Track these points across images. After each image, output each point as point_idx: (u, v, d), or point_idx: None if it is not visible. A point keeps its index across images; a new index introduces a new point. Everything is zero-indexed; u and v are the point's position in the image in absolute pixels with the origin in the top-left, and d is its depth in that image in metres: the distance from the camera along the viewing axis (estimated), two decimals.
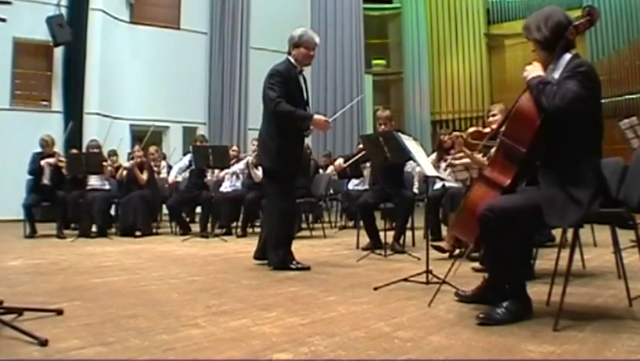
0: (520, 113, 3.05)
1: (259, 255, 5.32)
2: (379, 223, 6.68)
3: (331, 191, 10.92)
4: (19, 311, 3.04)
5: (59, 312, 3.14)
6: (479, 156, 5.28)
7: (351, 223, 10.42)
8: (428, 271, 4.03)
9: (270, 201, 5.30)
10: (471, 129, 5.29)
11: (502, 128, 3.24)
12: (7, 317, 2.90)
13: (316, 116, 5.12)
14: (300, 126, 5.17)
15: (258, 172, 8.14)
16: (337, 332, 2.80)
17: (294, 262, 5.06)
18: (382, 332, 2.81)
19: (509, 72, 20.09)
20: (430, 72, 21.72)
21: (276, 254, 5.06)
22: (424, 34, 21.69)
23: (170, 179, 9.30)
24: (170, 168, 11.39)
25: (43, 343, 2.54)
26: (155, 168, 9.95)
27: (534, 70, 3.01)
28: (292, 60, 5.20)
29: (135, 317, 3.14)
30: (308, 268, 5.02)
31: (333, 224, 10.78)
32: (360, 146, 10.79)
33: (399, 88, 22.33)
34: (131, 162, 9.10)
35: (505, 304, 2.97)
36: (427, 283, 3.99)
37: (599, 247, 6.05)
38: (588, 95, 2.82)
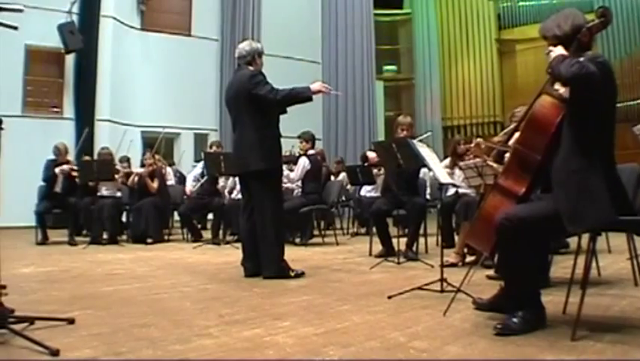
0: (534, 120, 3.01)
1: (257, 269, 5.07)
2: (391, 230, 6.64)
3: (343, 197, 10.86)
4: (31, 320, 3.01)
5: (71, 321, 3.11)
6: (495, 165, 5.23)
7: (363, 230, 10.37)
8: (442, 280, 3.99)
9: (264, 206, 5.03)
10: (497, 138, 5.16)
11: (515, 136, 3.19)
12: (19, 326, 2.88)
13: (312, 86, 5.14)
14: (303, 101, 5.16)
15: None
16: (352, 342, 2.76)
17: (291, 270, 5.01)
18: (398, 342, 2.76)
19: (521, 77, 20.00)
20: (441, 78, 21.65)
21: (274, 263, 4.96)
22: (435, 40, 21.63)
23: (188, 190, 9.21)
24: (179, 174, 11.41)
25: (55, 353, 2.51)
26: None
27: (557, 51, 2.95)
28: (252, 69, 5.18)
29: (147, 327, 3.11)
30: (303, 274, 5.02)
31: (345, 231, 10.72)
32: (369, 153, 10.83)
33: (410, 94, 22.26)
34: (142, 169, 9.11)
35: (521, 313, 2.94)
36: (442, 291, 3.95)
37: (614, 254, 5.99)
38: (603, 83, 2.77)
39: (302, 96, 5.15)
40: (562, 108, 2.94)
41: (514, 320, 2.92)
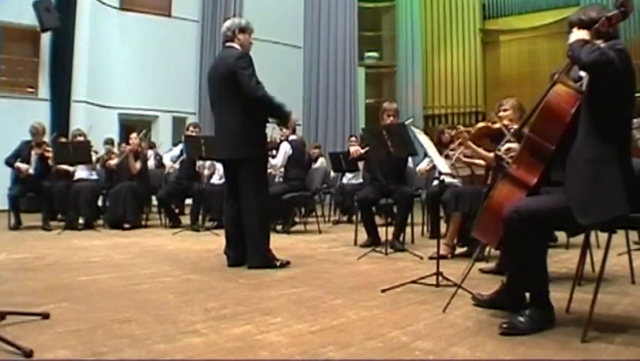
0: (549, 109, 2.87)
1: (240, 258, 4.89)
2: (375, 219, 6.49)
3: (324, 184, 10.65)
4: (1, 315, 2.77)
5: (46, 316, 2.87)
6: (483, 150, 5.11)
7: (345, 218, 10.19)
8: (439, 274, 3.82)
9: (250, 195, 4.84)
10: (480, 125, 5.14)
11: (528, 125, 3.04)
12: None
13: (292, 115, 5.22)
14: (271, 117, 5.05)
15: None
16: (351, 342, 2.58)
17: (277, 260, 4.83)
18: (400, 342, 2.59)
19: (504, 68, 19.92)
20: (423, 66, 21.47)
21: (259, 253, 4.77)
22: (418, 28, 21.44)
23: (168, 165, 9.04)
24: (159, 157, 11.12)
25: (28, 354, 2.28)
26: None
27: (579, 34, 2.80)
28: (237, 46, 4.95)
29: (128, 322, 2.88)
30: (288, 263, 4.85)
31: (327, 218, 10.51)
32: (353, 139, 10.66)
33: (392, 81, 22.08)
34: (128, 147, 8.87)
35: (527, 312, 2.81)
36: (437, 285, 3.79)
37: (603, 248, 5.85)
38: (622, 72, 2.63)
39: (279, 111, 5.03)
40: (577, 98, 2.79)
41: (521, 319, 2.78)
